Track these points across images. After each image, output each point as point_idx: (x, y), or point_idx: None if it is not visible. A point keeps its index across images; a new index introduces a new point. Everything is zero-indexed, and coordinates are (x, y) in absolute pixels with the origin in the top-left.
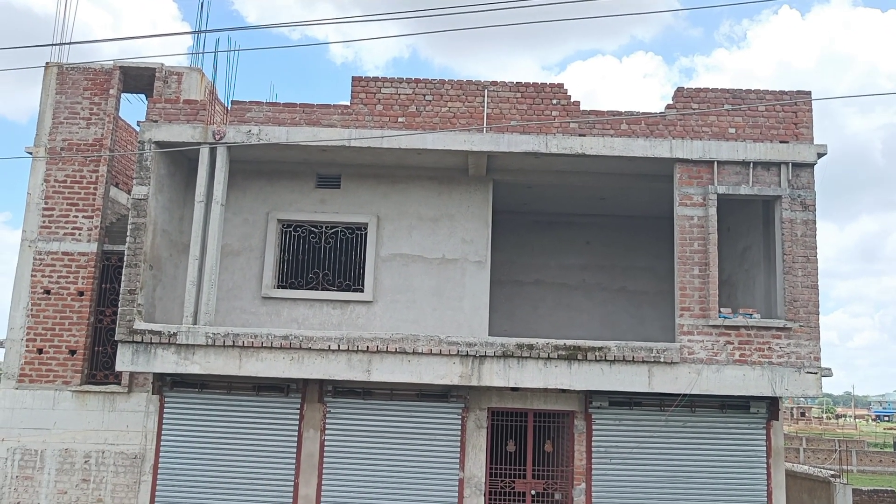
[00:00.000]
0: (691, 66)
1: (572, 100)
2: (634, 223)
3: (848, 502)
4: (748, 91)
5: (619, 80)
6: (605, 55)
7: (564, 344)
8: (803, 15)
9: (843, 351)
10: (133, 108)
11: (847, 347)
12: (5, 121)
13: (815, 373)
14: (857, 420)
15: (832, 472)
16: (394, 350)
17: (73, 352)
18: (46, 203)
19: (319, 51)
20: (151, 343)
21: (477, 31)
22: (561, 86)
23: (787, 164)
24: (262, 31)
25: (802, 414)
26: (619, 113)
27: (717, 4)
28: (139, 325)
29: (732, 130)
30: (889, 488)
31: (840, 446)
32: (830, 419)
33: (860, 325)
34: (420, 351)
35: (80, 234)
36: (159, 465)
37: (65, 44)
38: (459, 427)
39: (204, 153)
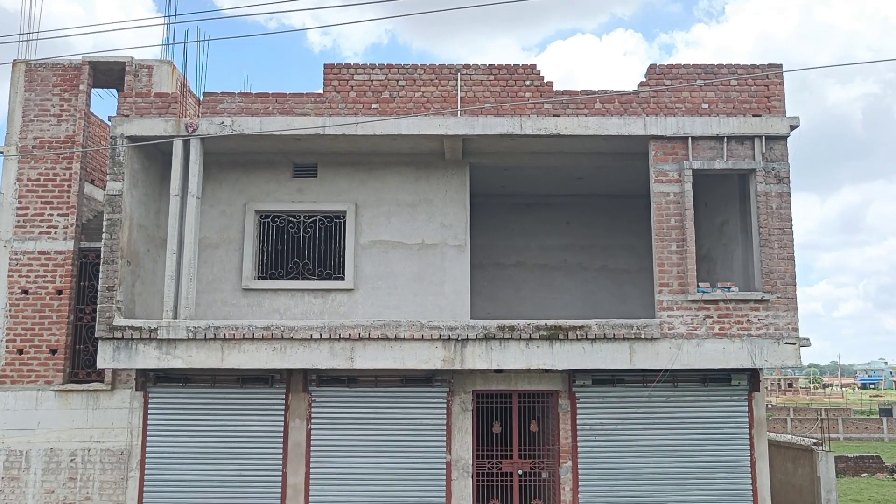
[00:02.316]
0: (671, 43)
1: (546, 80)
2: (613, 202)
3: (830, 469)
4: (720, 66)
5: (600, 59)
6: (585, 34)
7: (545, 324)
8: None
9: (828, 321)
10: (105, 103)
11: (832, 317)
12: None
13: (794, 343)
14: (843, 389)
15: (815, 441)
16: (376, 337)
17: (53, 351)
18: (20, 202)
19: (297, 39)
20: (132, 339)
21: (455, 15)
22: (534, 67)
23: (760, 137)
24: (237, 22)
25: (790, 385)
26: (593, 92)
27: None
28: (119, 321)
29: (706, 106)
30: (874, 454)
31: (822, 415)
32: (817, 389)
33: (844, 295)
34: (402, 336)
35: (56, 233)
36: (146, 461)
37: (31, 35)
38: (445, 411)
39: (177, 146)
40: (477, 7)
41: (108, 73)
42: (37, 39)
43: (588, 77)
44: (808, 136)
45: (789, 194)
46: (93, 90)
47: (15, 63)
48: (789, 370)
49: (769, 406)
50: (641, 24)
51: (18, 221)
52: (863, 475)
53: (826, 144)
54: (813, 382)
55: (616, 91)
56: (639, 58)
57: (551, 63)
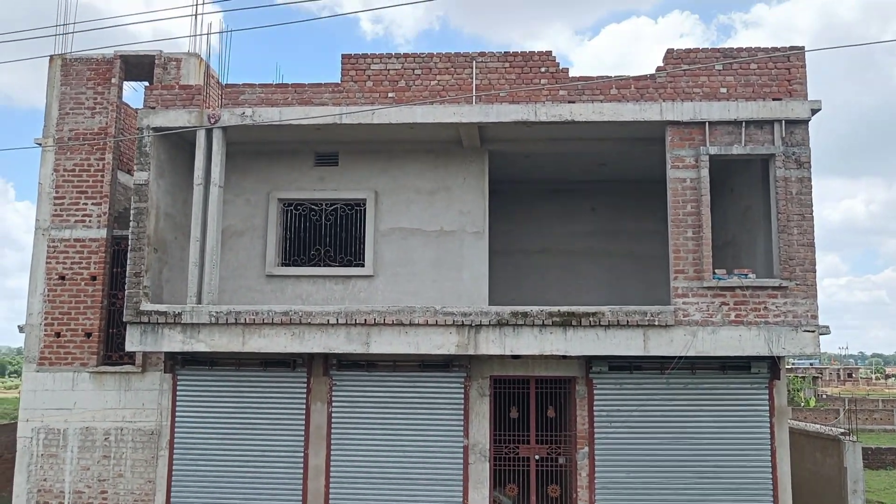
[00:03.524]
0: (729, 24)
1: (561, 67)
2: (639, 187)
3: (858, 459)
4: (740, 49)
5: (655, 42)
6: (640, 16)
7: (559, 310)
8: None
9: (893, 310)
10: (140, 95)
11: None
12: (24, 110)
13: (813, 331)
14: None
15: (842, 431)
16: (391, 322)
17: (88, 334)
18: (57, 192)
19: (349, 27)
20: (158, 323)
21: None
22: (549, 53)
23: (780, 121)
24: (291, 11)
25: (850, 375)
26: (609, 77)
27: None
28: (145, 306)
29: (724, 90)
30: None
31: (850, 405)
32: (879, 380)
33: None
34: (417, 322)
35: (90, 221)
36: (175, 441)
37: (67, 29)
38: (462, 395)
39: (201, 136)
40: None
41: (139, 67)
42: (73, 33)
43: (642, 61)
44: (873, 118)
45: (810, 179)
46: (126, 83)
47: (52, 59)
48: (851, 361)
49: (823, 396)
50: (698, 4)
51: (55, 210)
52: None
53: (893, 126)
54: (875, 373)
55: (632, 76)
56: (695, 40)
57: (604, 47)
